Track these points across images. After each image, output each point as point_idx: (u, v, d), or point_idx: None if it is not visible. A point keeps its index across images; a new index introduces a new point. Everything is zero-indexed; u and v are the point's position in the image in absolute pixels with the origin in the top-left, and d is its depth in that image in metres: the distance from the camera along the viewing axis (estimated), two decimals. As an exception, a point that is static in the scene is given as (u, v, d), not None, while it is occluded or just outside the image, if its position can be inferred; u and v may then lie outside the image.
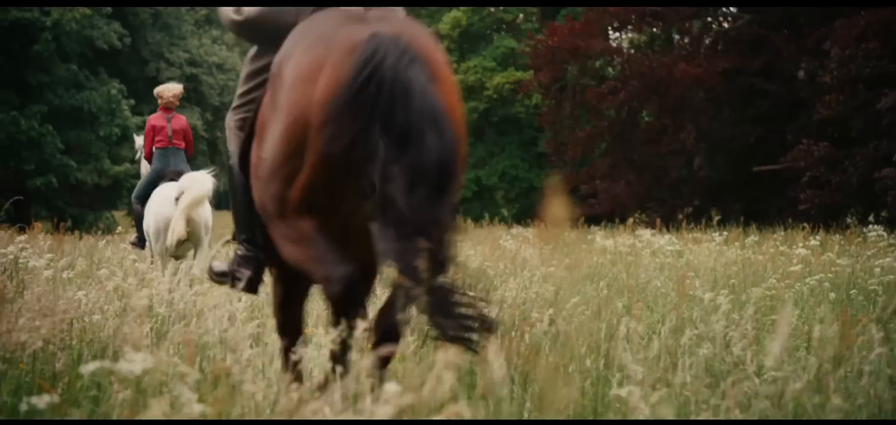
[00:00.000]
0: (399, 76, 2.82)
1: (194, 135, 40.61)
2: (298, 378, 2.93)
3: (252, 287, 3.60)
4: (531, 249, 13.37)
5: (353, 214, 3.00)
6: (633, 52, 26.96)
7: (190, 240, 8.26)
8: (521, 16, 42.08)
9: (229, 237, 3.93)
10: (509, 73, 38.74)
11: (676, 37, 29.73)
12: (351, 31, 3.03)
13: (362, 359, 2.52)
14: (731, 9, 27.57)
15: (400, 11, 3.42)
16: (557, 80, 28.07)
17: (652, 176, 26.44)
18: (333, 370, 2.68)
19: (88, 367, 2.08)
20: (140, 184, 9.35)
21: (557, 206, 2.12)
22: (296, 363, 3.04)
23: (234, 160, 3.63)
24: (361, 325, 2.68)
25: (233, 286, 3.58)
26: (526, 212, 38.07)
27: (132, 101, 35.90)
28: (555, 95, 28.75)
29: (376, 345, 2.86)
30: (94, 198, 35.44)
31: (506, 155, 40.48)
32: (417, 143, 2.80)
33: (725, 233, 17.24)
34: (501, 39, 40.16)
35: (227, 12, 3.61)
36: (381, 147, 2.80)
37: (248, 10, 3.50)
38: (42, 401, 2.09)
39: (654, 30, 28.23)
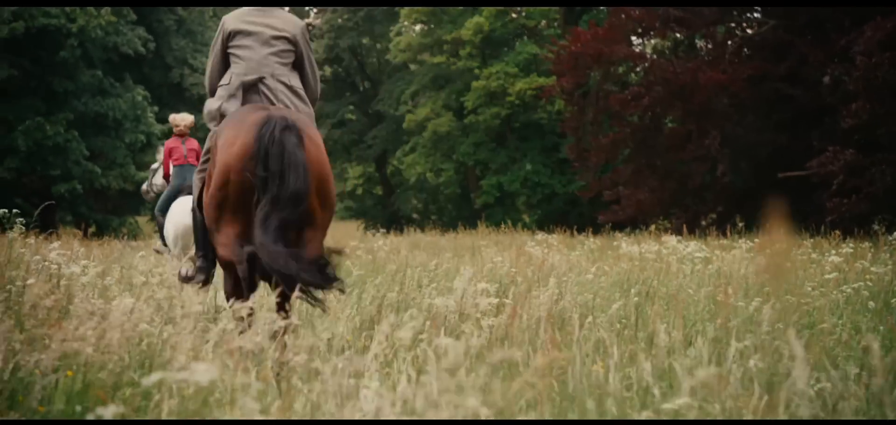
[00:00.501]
0: (278, 140, 4.71)
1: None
2: (243, 322, 4.44)
3: (206, 283, 5.62)
4: (558, 256, 13.33)
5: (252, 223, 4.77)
6: (656, 57, 26.77)
7: None
8: (544, 21, 42.03)
9: (193, 254, 5.90)
10: (532, 78, 38.69)
11: (700, 43, 29.61)
12: (255, 115, 5.00)
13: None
14: (756, 14, 27.43)
15: (297, 107, 5.48)
16: (580, 86, 27.97)
17: (675, 182, 26.33)
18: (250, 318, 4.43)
19: (152, 377, 2.09)
20: (162, 197, 10.50)
21: (779, 223, 2.14)
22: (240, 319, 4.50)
23: (194, 204, 5.64)
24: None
25: (195, 284, 5.49)
26: (548, 219, 38.03)
27: (156, 108, 36.14)
28: (577, 101, 28.65)
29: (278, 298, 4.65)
30: (117, 204, 35.71)
31: (528, 161, 40.42)
32: (283, 181, 4.65)
33: (753, 239, 17.15)
34: (524, 45, 40.13)
35: (207, 107, 5.71)
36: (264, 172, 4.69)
37: (210, 106, 5.63)
38: (108, 412, 2.10)
39: (678, 35, 28.09)
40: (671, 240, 16.58)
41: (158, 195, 11.12)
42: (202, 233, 5.53)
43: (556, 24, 40.69)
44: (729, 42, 26.83)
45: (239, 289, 5.08)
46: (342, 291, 4.91)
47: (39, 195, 33.06)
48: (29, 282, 4.47)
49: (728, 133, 25.21)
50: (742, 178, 26.35)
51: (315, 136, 5.16)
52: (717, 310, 4.98)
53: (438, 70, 43.22)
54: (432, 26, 42.98)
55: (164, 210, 10.22)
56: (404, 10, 44.08)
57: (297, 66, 5.68)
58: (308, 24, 53.96)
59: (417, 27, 45.25)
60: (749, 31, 26.56)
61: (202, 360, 2.34)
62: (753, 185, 26.84)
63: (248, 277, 4.82)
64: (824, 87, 25.13)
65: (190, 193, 8.85)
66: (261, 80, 5.43)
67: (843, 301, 6.32)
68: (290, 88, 5.51)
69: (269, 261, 4.46)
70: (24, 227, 8.51)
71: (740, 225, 19.89)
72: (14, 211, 8.69)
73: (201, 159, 5.69)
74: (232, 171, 4.90)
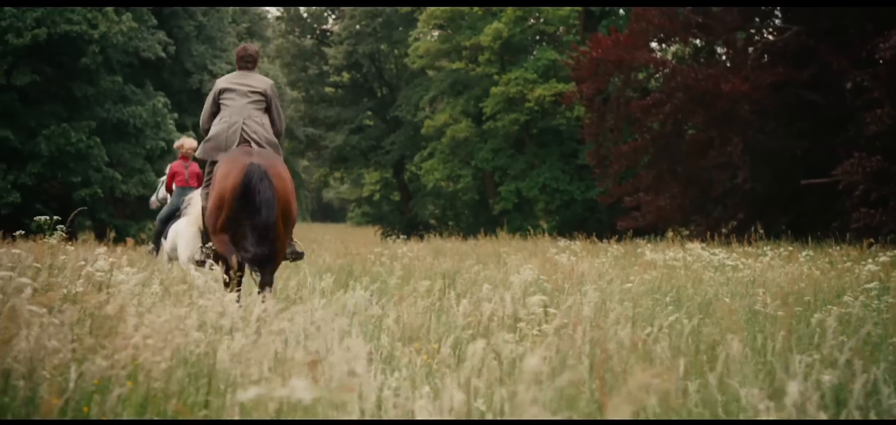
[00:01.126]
0: (256, 184, 6.95)
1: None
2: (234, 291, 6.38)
3: (211, 264, 7.59)
4: (586, 263, 13.26)
5: (239, 234, 7.14)
6: (677, 64, 26.63)
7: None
8: (562, 28, 41.95)
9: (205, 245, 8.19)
10: (551, 84, 38.61)
11: (719, 49, 29.44)
12: (243, 160, 7.17)
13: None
14: (776, 20, 27.29)
15: (267, 139, 7.89)
16: (601, 92, 27.88)
17: (697, 189, 26.21)
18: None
19: (247, 393, 2.07)
20: (164, 210, 11.98)
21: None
22: (229, 288, 6.59)
23: (202, 213, 8.13)
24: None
25: (205, 266, 7.63)
26: (566, 225, 37.92)
27: (176, 114, 36.25)
28: (598, 108, 28.55)
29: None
30: (136, 209, 35.83)
31: (546, 167, 40.33)
32: (259, 214, 6.92)
33: (777, 247, 17.04)
34: (543, 51, 40.07)
35: (202, 147, 8.02)
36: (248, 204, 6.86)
37: (204, 146, 7.94)
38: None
39: (698, 42, 27.97)
40: (696, 246, 16.50)
41: (162, 206, 12.44)
42: (206, 233, 8.10)
43: (574, 30, 40.60)
44: (750, 49, 26.66)
45: (229, 273, 7.21)
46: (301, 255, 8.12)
47: (58, 200, 33.20)
48: (79, 289, 4.47)
49: (749, 139, 25.07)
50: (763, 185, 26.20)
51: (282, 173, 7.49)
52: (759, 320, 4.92)
53: (456, 76, 43.19)
54: (450, 32, 42.99)
55: (164, 221, 11.67)
56: (423, 16, 44.11)
57: (268, 110, 8.13)
58: (324, 27, 54.05)
59: (436, 33, 45.27)
60: (771, 37, 26.40)
61: (276, 374, 2.31)
62: (775, 192, 26.70)
63: (239, 269, 7.26)
64: (847, 93, 24.99)
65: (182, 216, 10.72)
66: (242, 120, 7.84)
67: (884, 309, 6.25)
68: (261, 125, 7.92)
69: (251, 259, 7.09)
70: (63, 233, 8.82)
71: (761, 231, 19.74)
72: (54, 217, 9.17)
73: (204, 180, 8.10)
74: (225, 201, 7.27)
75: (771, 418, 2.83)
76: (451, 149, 42.73)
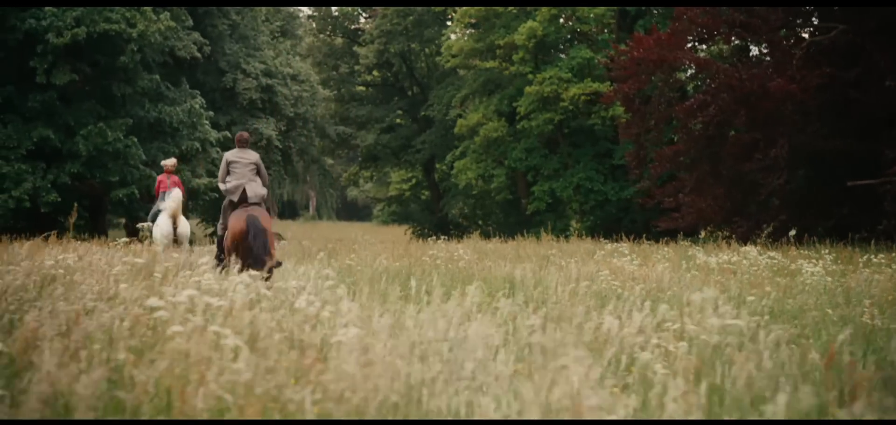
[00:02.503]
0: (252, 234, 11.48)
1: (270, 147, 41.04)
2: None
3: (220, 264, 11.76)
4: (644, 268, 13.03)
5: (242, 252, 11.42)
6: (722, 64, 26.20)
7: (177, 238, 14.93)
8: (595, 27, 41.59)
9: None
10: (586, 84, 38.28)
11: (754, 49, 29.02)
12: (246, 215, 11.73)
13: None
14: (815, 19, 26.89)
15: (260, 203, 12.51)
16: (641, 92, 27.54)
17: (740, 191, 25.84)
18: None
19: None
20: (153, 209, 16.67)
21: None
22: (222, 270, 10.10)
23: (219, 231, 12.88)
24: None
25: (215, 267, 11.04)
26: (600, 226, 37.59)
27: (211, 114, 36.26)
28: (637, 108, 28.22)
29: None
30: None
31: (581, 167, 40.01)
32: (256, 244, 11.38)
33: (833, 250, 16.74)
34: (577, 50, 39.70)
35: (224, 188, 12.77)
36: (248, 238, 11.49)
37: (225, 187, 12.69)
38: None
39: (740, 41, 27.57)
40: (751, 250, 16.23)
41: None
42: (220, 245, 12.79)
43: (608, 28, 40.23)
44: (792, 48, 26.22)
45: (229, 265, 10.67)
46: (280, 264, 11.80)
47: (89, 198, 33.28)
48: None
49: (794, 140, 24.70)
50: (807, 186, 25.81)
51: (266, 222, 11.87)
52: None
53: (489, 75, 42.95)
54: (482, 31, 42.76)
55: (154, 218, 16.16)
56: (457, 15, 43.95)
57: (258, 173, 12.76)
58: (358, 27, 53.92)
59: (469, 31, 45.08)
60: (816, 36, 25.98)
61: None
62: (816, 194, 26.28)
63: (240, 266, 9.42)
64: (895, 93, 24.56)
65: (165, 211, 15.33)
66: (245, 183, 12.42)
67: None
68: (254, 182, 12.55)
69: (252, 264, 10.21)
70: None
71: (805, 233, 19.41)
72: (133, 221, 9.65)
73: (222, 211, 12.84)
74: (236, 237, 11.63)
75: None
76: (483, 149, 42.49)
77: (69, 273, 6.24)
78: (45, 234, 15.07)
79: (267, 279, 8.95)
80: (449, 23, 51.44)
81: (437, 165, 54.07)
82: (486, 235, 36.71)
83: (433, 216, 54.28)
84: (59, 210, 30.67)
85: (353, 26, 53.88)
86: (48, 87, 29.73)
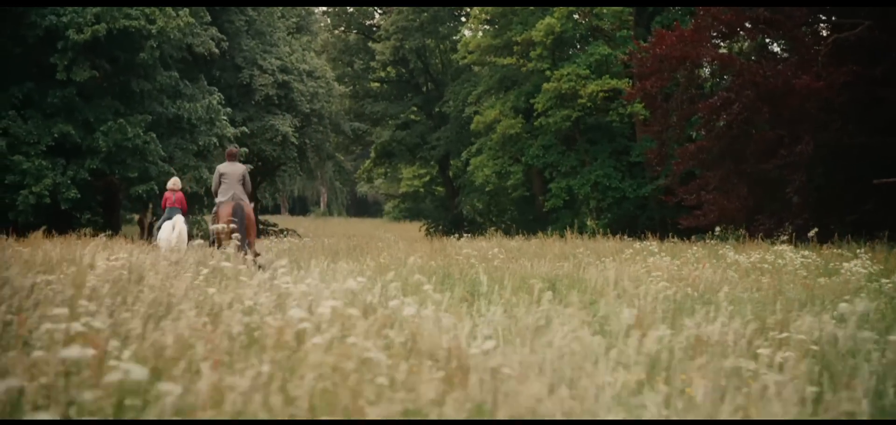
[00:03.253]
0: (239, 211, 15.15)
1: (287, 144, 40.91)
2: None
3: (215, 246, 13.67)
4: (686, 267, 12.88)
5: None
6: (744, 60, 25.98)
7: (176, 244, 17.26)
8: (611, 24, 41.34)
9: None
10: (604, 80, 38.09)
11: (779, 46, 28.82)
12: (233, 203, 15.32)
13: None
14: (827, 19, 26.66)
15: (243, 196, 15.83)
16: (664, 90, 27.35)
17: (764, 189, 25.64)
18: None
19: None
20: (160, 220, 18.72)
21: None
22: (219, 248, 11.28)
23: (211, 230, 15.04)
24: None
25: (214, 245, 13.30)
26: (618, 223, 37.41)
27: (228, 110, 36.18)
28: (660, 105, 28.03)
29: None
30: (187, 205, 35.90)
31: (598, 164, 39.82)
32: (242, 223, 14.94)
33: (870, 249, 16.57)
34: (595, 46, 39.49)
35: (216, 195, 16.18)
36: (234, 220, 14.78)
37: (217, 198, 15.94)
38: None
39: (762, 38, 27.36)
40: (785, 249, 16.08)
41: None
42: (211, 239, 14.19)
43: (627, 25, 39.98)
44: (815, 44, 25.99)
45: (222, 246, 11.34)
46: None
47: (103, 194, 33.28)
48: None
49: (818, 138, 24.50)
50: (831, 184, 25.60)
51: (249, 209, 15.52)
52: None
53: (505, 72, 42.81)
54: (497, 27, 42.64)
55: (160, 228, 18.14)
56: (474, 12, 43.83)
57: (242, 183, 15.53)
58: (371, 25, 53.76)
59: (484, 28, 44.96)
60: (841, 32, 25.73)
61: None
62: (839, 192, 26.07)
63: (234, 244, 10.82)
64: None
65: (169, 219, 18.04)
66: (233, 192, 15.39)
67: None
68: (241, 191, 15.50)
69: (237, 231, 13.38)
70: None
71: (814, 233, 19.21)
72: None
73: (214, 207, 16.09)
74: (225, 217, 14.72)
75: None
76: (500, 146, 42.34)
77: (137, 275, 6.11)
78: (84, 231, 18.41)
79: (256, 257, 14.55)
80: (464, 19, 51.36)
81: (452, 162, 53.97)
82: (507, 232, 36.58)
83: (448, 213, 54.20)
84: (75, 206, 30.68)
85: (368, 22, 53.77)
86: (67, 84, 29.70)
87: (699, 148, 26.03)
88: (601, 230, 36.01)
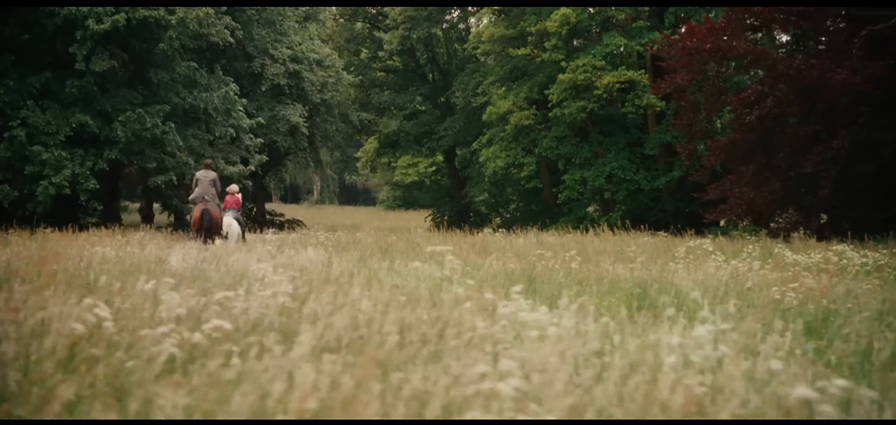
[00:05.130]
0: (207, 218, 20.94)
1: (298, 134, 40.50)
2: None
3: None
4: (758, 270, 12.66)
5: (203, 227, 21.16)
6: (778, 54, 25.73)
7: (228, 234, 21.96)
8: (625, 15, 41.05)
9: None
10: (620, 72, 37.88)
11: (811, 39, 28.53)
12: (203, 206, 21.21)
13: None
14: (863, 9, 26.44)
15: (215, 196, 21.96)
16: (695, 82, 27.11)
17: (798, 184, 25.45)
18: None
19: None
20: (226, 217, 22.72)
21: None
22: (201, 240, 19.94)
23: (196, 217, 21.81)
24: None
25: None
26: (631, 215, 37.29)
27: (243, 100, 35.77)
28: (689, 98, 27.80)
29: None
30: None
31: (612, 155, 39.62)
32: (210, 226, 20.92)
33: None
34: (610, 38, 39.21)
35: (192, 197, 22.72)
36: (203, 223, 21.04)
37: (192, 196, 22.45)
38: None
39: (794, 30, 27.15)
40: (845, 249, 15.90)
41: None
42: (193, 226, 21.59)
43: (642, 17, 39.69)
44: (848, 37, 25.76)
45: (199, 235, 20.36)
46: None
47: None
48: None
49: (854, 133, 24.34)
50: (863, 179, 25.45)
51: (215, 212, 21.27)
52: None
53: (516, 62, 42.52)
54: (504, 16, 42.37)
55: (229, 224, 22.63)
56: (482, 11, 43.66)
57: (214, 185, 21.58)
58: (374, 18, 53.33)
59: (493, 18, 44.68)
60: (875, 25, 25.52)
61: None
62: (875, 186, 25.94)
63: (207, 235, 20.24)
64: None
65: (235, 216, 22.54)
66: (205, 192, 21.36)
67: None
68: (213, 193, 21.50)
69: (206, 233, 20.61)
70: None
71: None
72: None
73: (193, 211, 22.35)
74: (197, 220, 20.96)
75: None
76: (513, 137, 42.09)
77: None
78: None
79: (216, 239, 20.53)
80: (471, 8, 51.02)
81: (459, 152, 53.71)
82: (513, 223, 36.35)
83: (454, 203, 53.94)
84: (92, 196, 30.31)
85: (376, 11, 53.30)
86: (85, 73, 29.27)
87: (731, 142, 25.79)
88: (618, 223, 35.94)
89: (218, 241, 20.14)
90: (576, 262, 12.81)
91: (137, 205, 50.21)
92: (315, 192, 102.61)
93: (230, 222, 21.98)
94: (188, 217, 32.83)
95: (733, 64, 26.67)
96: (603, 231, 24.29)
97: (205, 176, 21.64)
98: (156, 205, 42.50)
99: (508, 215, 49.89)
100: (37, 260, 10.51)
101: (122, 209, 46.23)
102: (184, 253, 12.02)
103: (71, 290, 6.83)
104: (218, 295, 6.04)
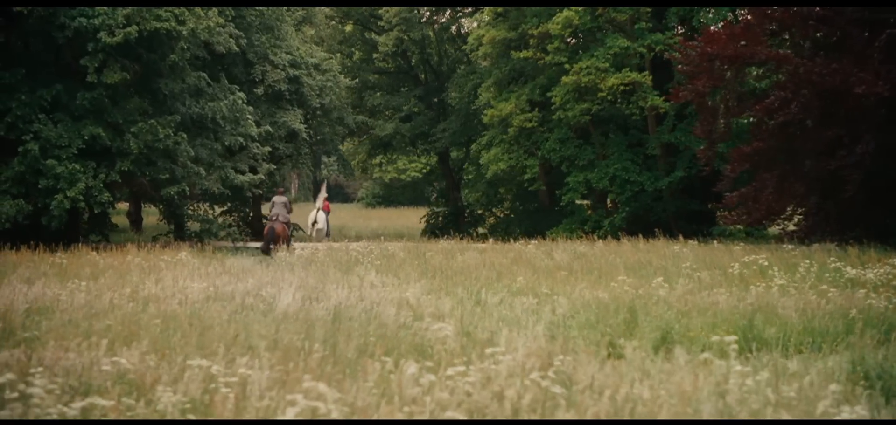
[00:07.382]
0: (271, 234, 26.79)
1: (299, 139, 40.30)
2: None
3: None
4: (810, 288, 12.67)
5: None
6: (800, 58, 25.79)
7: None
8: (625, 16, 41.04)
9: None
10: (624, 74, 37.89)
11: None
12: (270, 224, 27.71)
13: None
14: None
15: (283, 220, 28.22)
16: (716, 89, 27.19)
17: (821, 190, 25.59)
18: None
19: None
20: (311, 215, 34.23)
21: None
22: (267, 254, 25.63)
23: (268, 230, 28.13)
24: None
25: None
26: (633, 216, 37.44)
27: (250, 108, 35.44)
28: (708, 105, 27.88)
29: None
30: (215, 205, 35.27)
31: (615, 157, 39.66)
32: (271, 238, 26.67)
33: None
34: (614, 39, 39.16)
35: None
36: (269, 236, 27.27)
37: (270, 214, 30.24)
38: None
39: (815, 33, 27.27)
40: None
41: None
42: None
43: (645, 19, 39.70)
44: (869, 40, 25.82)
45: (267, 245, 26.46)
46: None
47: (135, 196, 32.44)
48: None
49: (879, 138, 24.51)
50: (886, 185, 25.64)
51: (279, 229, 27.02)
52: None
53: (515, 64, 42.44)
54: (513, 20, 42.24)
55: (316, 221, 33.45)
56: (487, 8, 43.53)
57: (285, 207, 28.17)
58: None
59: (491, 21, 44.58)
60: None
61: None
62: (890, 192, 26.11)
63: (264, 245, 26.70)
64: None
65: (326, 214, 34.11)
66: (278, 212, 27.75)
67: None
68: (285, 213, 28.13)
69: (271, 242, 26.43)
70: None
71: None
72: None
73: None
74: (266, 233, 27.28)
75: None
76: (514, 139, 42.03)
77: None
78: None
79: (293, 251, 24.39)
80: (468, 9, 50.83)
81: (454, 153, 53.58)
82: (511, 225, 36.33)
83: (449, 204, 53.80)
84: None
85: (370, 12, 52.94)
86: (96, 85, 28.82)
87: (755, 150, 25.82)
88: (622, 226, 35.98)
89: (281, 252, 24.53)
90: (664, 290, 12.71)
91: (126, 207, 49.55)
92: (293, 190, 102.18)
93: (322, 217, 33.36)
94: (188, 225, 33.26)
95: (754, 70, 26.77)
96: (605, 234, 24.31)
97: (278, 200, 28.17)
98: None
99: (502, 216, 49.94)
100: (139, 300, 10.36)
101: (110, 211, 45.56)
102: (292, 290, 11.80)
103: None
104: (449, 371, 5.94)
